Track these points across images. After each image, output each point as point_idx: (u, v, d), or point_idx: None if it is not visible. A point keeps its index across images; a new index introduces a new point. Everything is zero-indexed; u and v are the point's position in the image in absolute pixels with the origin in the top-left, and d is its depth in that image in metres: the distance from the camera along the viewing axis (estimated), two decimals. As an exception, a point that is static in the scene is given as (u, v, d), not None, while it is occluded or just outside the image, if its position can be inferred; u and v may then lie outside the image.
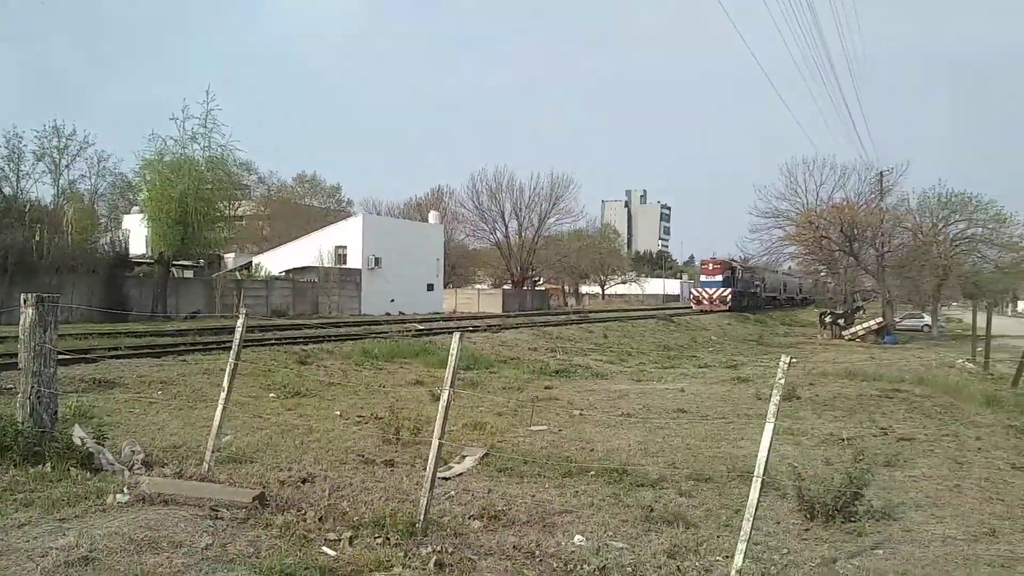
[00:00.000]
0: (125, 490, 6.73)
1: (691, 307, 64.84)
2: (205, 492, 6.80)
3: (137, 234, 42.00)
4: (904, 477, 9.58)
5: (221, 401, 7.84)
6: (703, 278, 64.45)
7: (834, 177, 53.31)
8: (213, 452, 7.85)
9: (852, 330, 45.06)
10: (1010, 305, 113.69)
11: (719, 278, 61.79)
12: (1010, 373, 23.02)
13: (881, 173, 50.57)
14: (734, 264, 64.42)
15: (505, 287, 72.79)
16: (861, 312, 53.19)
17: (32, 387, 7.50)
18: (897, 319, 51.97)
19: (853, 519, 7.40)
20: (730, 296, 60.86)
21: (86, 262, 33.93)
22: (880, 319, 45.92)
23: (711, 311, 59.31)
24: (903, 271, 48.17)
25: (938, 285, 51.95)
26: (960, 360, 28.26)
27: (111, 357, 16.79)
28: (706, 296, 62.11)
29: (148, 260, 38.43)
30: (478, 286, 78.20)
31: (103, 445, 8.13)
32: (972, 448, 11.70)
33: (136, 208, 47.84)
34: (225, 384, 7.88)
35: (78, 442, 7.80)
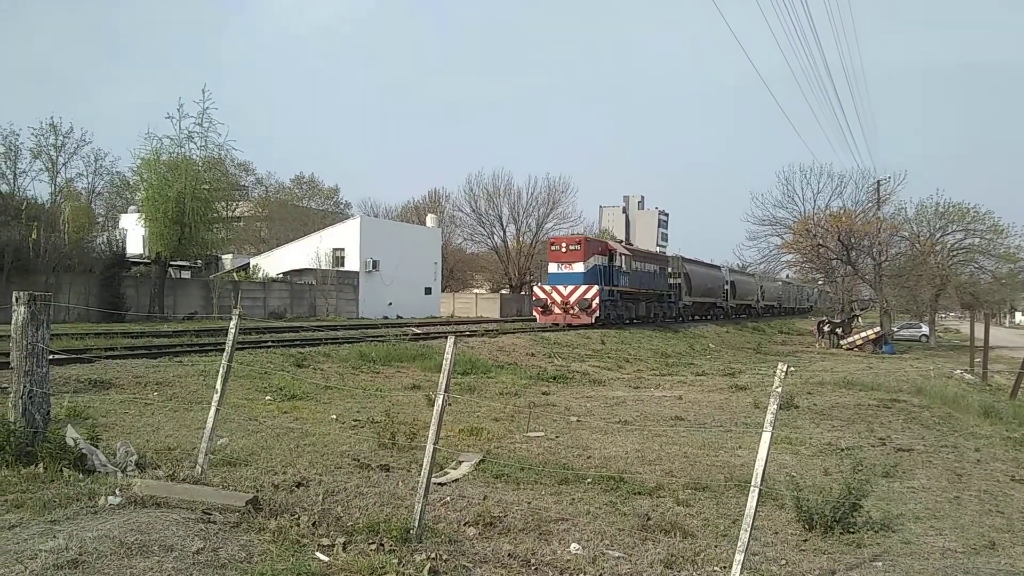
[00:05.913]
0: (117, 492, 6.65)
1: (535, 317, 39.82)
2: (198, 495, 6.72)
3: (134, 234, 41.93)
4: (903, 488, 9.53)
5: (214, 403, 7.78)
6: (553, 268, 39.23)
7: (831, 185, 52.95)
8: (207, 455, 7.78)
9: (850, 339, 44.98)
10: (1007, 316, 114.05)
11: (579, 268, 37.63)
12: (1008, 384, 23.06)
13: (879, 182, 50.66)
14: (612, 247, 41.64)
15: (503, 292, 72.68)
16: (857, 320, 53.05)
17: (24, 386, 7.42)
18: (895, 328, 51.90)
19: (852, 530, 7.34)
20: (596, 300, 37.01)
21: (83, 261, 33.90)
22: (878, 328, 45.88)
23: (567, 325, 36.64)
24: (901, 280, 48.15)
25: (935, 295, 52.03)
26: (958, 371, 28.26)
27: (107, 357, 16.70)
28: (557, 299, 37.75)
29: (145, 260, 38.34)
30: (476, 290, 78.13)
31: (96, 446, 8.05)
32: (971, 460, 11.67)
33: (133, 208, 47.72)
34: (218, 387, 7.82)
35: (71, 443, 7.72)
